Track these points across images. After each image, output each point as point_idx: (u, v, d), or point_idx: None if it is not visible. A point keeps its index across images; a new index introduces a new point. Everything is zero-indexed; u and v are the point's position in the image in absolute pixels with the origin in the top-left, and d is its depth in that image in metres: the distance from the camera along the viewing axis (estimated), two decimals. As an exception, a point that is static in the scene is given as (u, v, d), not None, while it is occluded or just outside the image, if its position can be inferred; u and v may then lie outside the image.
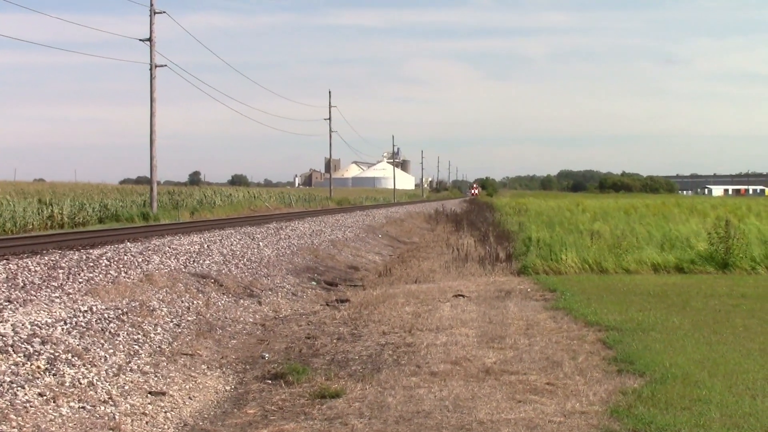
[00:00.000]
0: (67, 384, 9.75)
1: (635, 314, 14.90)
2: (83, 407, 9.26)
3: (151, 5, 45.37)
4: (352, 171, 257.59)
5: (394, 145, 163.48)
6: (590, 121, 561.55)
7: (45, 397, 9.17)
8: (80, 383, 9.90)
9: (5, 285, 13.53)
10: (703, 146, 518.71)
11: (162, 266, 17.97)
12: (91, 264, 16.36)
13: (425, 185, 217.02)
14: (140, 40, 45.78)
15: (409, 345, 12.84)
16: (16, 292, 13.15)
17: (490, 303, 17.04)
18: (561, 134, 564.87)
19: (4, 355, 9.84)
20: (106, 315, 12.89)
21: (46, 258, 16.45)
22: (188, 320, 14.61)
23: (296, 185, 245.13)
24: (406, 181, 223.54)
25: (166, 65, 46.26)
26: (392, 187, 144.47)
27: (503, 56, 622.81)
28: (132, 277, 16.11)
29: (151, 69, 45.44)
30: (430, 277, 23.53)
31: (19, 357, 9.90)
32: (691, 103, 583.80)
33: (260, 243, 26.01)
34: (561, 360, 11.43)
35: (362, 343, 13.29)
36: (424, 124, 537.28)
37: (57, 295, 13.33)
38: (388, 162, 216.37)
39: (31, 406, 8.83)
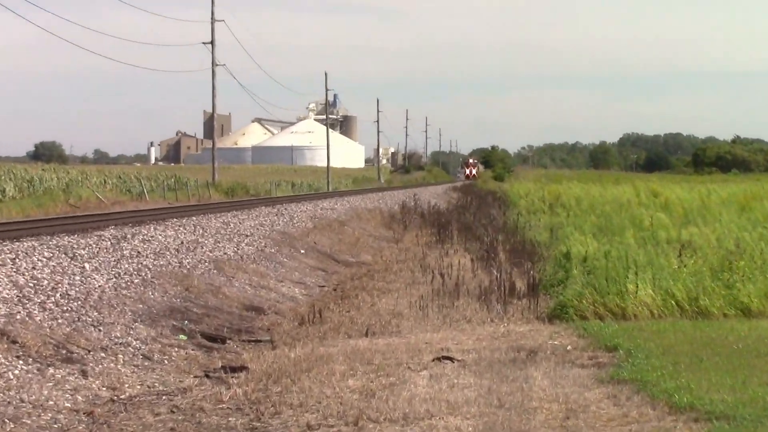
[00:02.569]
0: None
1: (759, 390, 14.93)
2: None
3: None
4: (254, 136, 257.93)
5: (328, 90, 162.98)
6: (672, 48, 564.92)
7: None
8: None
9: None
10: None
11: None
12: None
13: (384, 160, 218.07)
14: None
15: (354, 450, 12.81)
16: None
17: (499, 372, 17.07)
18: (621, 72, 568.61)
19: None
20: None
21: None
22: (-48, 406, 14.43)
23: (152, 161, 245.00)
24: (350, 154, 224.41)
25: None
26: (325, 165, 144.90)
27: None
28: None
29: None
30: (393, 324, 23.55)
31: None
32: None
33: (86, 265, 25.85)
34: (628, 475, 11.43)
35: (270, 447, 13.24)
36: (380, 54, 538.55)
37: None
38: (317, 119, 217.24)
39: None
